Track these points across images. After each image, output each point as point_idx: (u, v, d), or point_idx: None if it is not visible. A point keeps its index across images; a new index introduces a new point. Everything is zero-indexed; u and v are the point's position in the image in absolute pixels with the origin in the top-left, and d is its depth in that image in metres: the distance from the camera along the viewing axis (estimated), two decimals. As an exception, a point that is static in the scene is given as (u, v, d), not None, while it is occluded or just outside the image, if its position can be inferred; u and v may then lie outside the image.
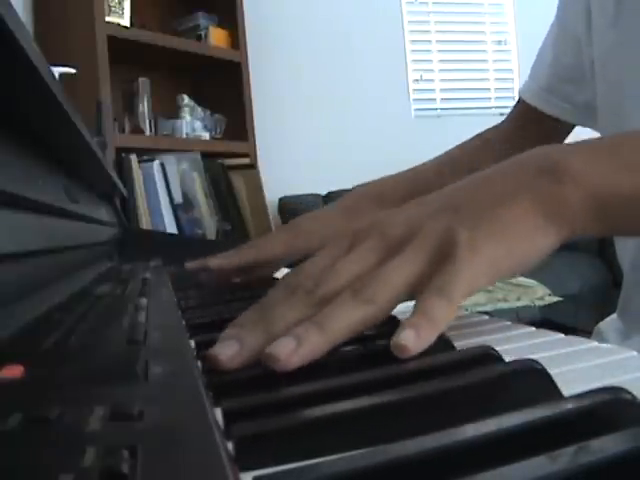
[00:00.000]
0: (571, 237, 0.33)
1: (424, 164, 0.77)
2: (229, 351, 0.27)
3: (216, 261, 0.60)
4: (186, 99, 2.21)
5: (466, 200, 0.33)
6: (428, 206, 0.34)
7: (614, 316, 0.73)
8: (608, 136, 0.41)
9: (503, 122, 0.81)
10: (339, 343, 0.28)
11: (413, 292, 0.31)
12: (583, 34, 0.67)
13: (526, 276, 2.18)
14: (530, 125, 0.78)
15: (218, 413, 0.20)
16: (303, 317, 0.29)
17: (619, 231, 0.43)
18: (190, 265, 0.63)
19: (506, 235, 0.31)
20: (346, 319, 0.28)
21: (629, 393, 0.18)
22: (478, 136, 0.81)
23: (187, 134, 2.15)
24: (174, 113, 2.19)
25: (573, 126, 0.76)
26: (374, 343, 0.29)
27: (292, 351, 0.26)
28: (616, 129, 0.64)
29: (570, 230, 0.33)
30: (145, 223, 1.84)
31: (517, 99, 0.80)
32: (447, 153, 0.79)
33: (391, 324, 0.30)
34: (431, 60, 2.94)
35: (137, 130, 2.04)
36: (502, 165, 0.35)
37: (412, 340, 0.26)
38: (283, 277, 0.34)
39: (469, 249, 0.30)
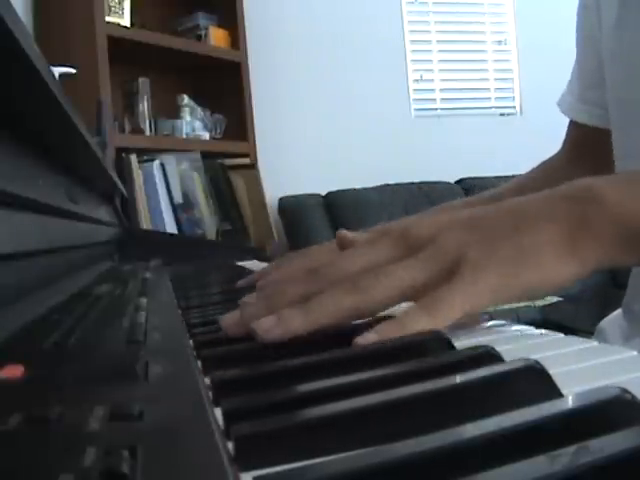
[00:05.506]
0: (599, 267, 0.32)
1: (497, 189, 0.77)
2: (230, 319, 0.32)
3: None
4: (186, 99, 2.20)
5: (491, 222, 0.33)
6: (457, 220, 0.34)
7: (617, 313, 0.73)
8: None
9: (562, 146, 0.80)
10: (324, 325, 0.31)
11: (408, 297, 0.32)
12: (597, 32, 0.67)
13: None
14: (582, 146, 0.76)
15: (218, 413, 0.20)
16: (305, 293, 0.32)
17: None
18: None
19: (517, 261, 0.31)
20: (332, 305, 0.31)
21: (629, 393, 0.18)
22: (543, 163, 0.81)
23: (187, 134, 2.15)
24: (174, 113, 2.19)
25: None
26: (374, 344, 0.29)
27: (270, 328, 0.30)
28: (623, 130, 0.64)
29: (595, 258, 0.31)
30: (145, 223, 1.84)
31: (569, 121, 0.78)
32: (516, 180, 0.78)
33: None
34: (431, 60, 2.94)
35: (137, 130, 2.04)
36: (537, 194, 0.34)
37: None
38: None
39: (473, 270, 0.30)
